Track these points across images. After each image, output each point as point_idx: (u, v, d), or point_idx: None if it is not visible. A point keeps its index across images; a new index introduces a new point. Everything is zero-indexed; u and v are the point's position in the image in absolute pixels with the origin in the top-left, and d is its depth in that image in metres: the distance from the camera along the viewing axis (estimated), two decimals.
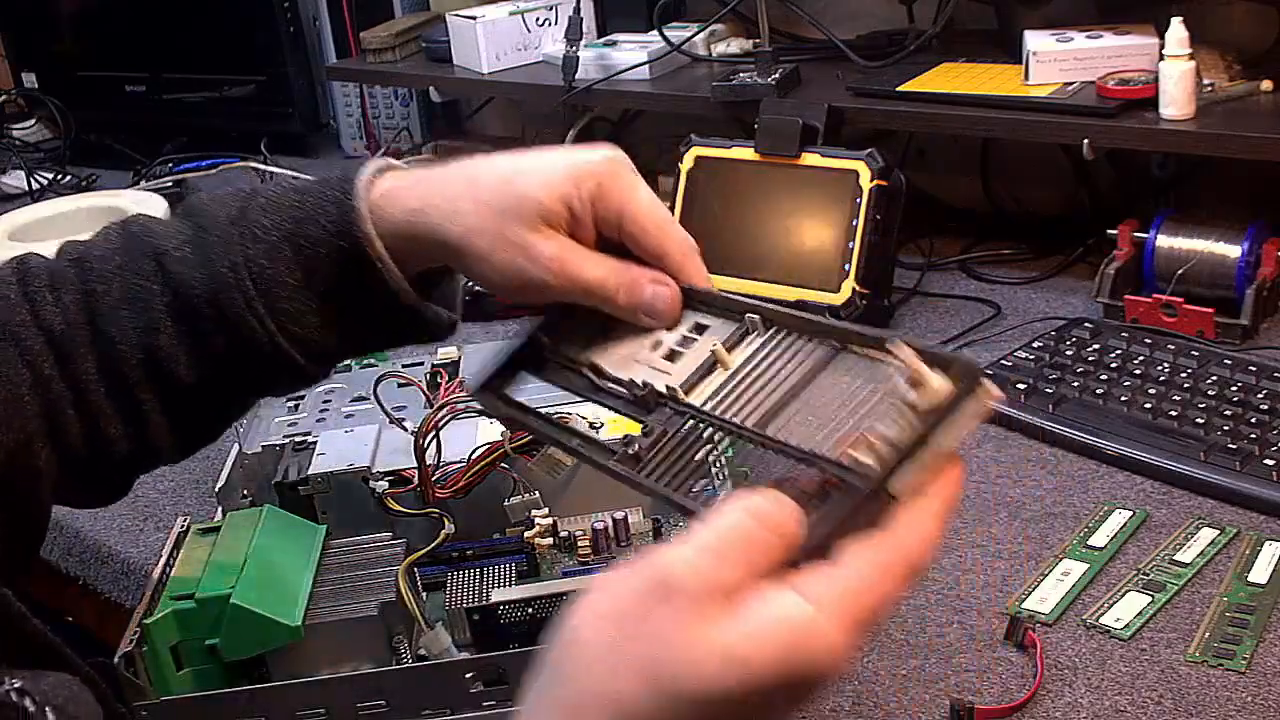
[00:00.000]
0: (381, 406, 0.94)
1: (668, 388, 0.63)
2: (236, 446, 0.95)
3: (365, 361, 1.08)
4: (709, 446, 0.60)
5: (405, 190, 0.68)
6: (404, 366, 1.04)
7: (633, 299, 0.65)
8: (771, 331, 0.63)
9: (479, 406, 0.84)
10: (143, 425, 0.71)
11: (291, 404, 1.02)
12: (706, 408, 0.62)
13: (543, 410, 0.71)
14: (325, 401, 1.02)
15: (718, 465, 0.86)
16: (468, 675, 0.75)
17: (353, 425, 0.97)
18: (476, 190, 0.67)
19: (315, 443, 0.93)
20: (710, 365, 0.64)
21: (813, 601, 0.46)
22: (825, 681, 0.47)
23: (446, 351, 1.05)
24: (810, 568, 0.47)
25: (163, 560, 0.82)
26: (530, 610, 0.76)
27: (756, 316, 0.63)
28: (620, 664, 0.46)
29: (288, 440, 0.94)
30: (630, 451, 0.62)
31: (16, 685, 0.59)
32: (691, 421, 0.62)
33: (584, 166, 0.66)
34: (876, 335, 0.54)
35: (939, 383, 0.49)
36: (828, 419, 0.55)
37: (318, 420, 0.99)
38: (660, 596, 0.46)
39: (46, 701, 0.59)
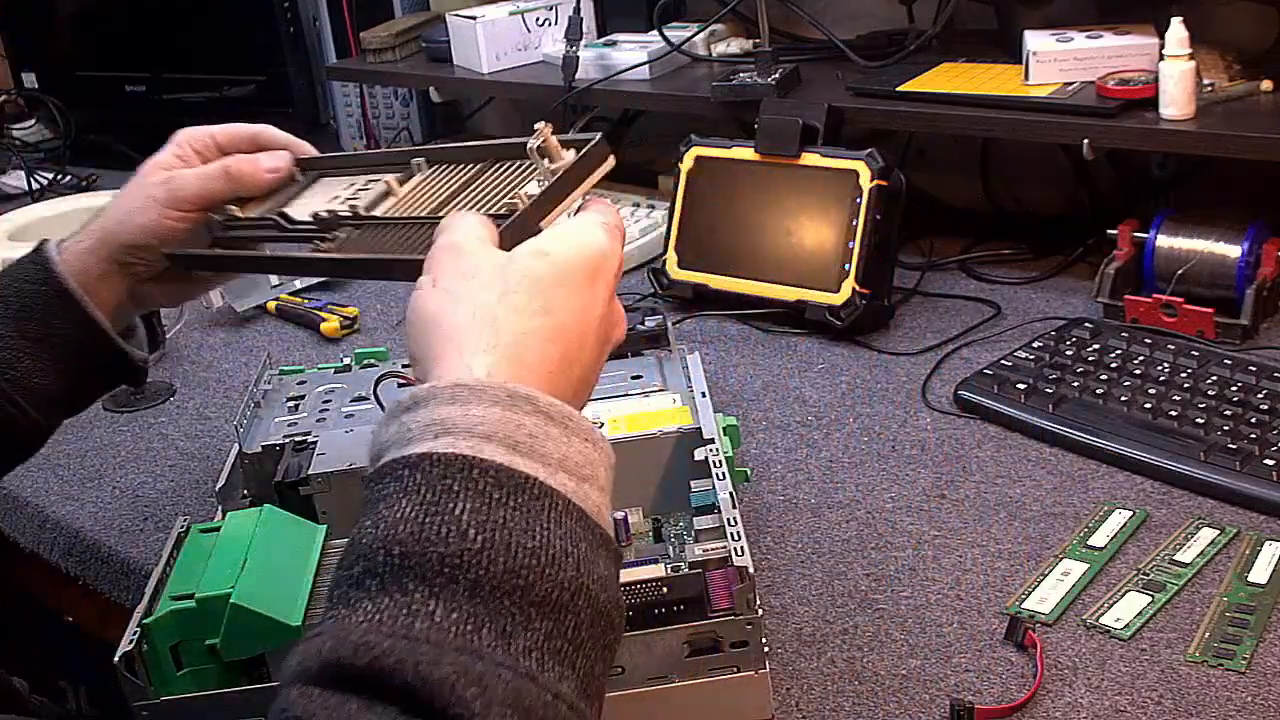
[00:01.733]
0: (381, 406, 0.94)
1: (350, 207, 0.80)
2: (236, 446, 0.95)
3: (365, 361, 1.08)
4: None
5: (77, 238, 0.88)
6: (404, 366, 1.04)
7: (255, 163, 0.87)
8: (436, 166, 0.81)
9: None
10: None
11: (291, 404, 1.02)
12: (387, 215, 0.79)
13: None
14: (325, 401, 1.02)
15: (718, 464, 0.86)
16: None
17: (353, 425, 0.97)
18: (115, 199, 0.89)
19: (315, 443, 0.93)
20: (384, 193, 0.81)
21: (573, 223, 0.63)
22: (607, 263, 0.62)
23: None
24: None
25: (163, 560, 0.82)
26: None
27: (421, 159, 0.82)
28: (466, 302, 0.58)
29: (288, 440, 0.94)
30: (331, 245, 0.79)
31: None
32: (377, 224, 0.79)
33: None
34: (521, 140, 0.72)
35: (568, 154, 0.70)
36: (491, 195, 0.73)
37: (318, 420, 0.99)
38: (461, 256, 0.61)
39: None
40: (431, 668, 0.47)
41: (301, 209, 0.85)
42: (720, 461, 0.86)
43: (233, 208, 0.88)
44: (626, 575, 0.76)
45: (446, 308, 0.59)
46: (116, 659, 0.74)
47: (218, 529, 0.83)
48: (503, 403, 0.54)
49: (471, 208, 0.72)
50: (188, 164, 0.88)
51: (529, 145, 0.70)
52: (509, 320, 0.57)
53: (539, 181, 0.70)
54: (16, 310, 0.84)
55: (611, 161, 0.71)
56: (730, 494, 0.83)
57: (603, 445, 0.57)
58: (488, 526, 0.50)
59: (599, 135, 0.71)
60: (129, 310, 0.90)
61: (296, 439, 0.94)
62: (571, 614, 0.51)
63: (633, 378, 1.00)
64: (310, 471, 0.89)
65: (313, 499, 0.89)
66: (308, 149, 0.92)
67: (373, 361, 1.08)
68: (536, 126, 0.70)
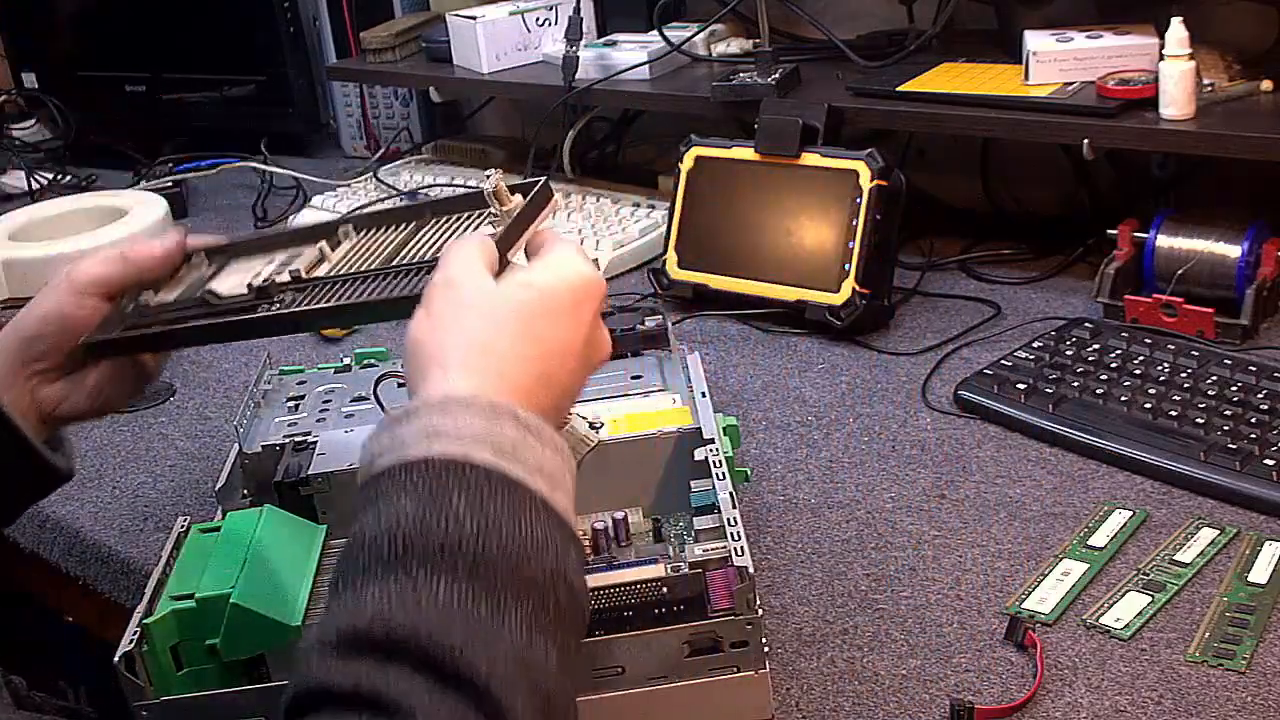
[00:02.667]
0: (381, 406, 0.94)
1: (290, 273, 0.80)
2: (236, 446, 0.95)
3: (365, 361, 1.08)
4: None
5: None
6: (402, 366, 1.04)
7: (149, 243, 0.86)
8: (367, 229, 0.84)
9: None
10: None
11: (291, 404, 1.02)
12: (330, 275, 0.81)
13: None
14: (325, 401, 1.02)
15: (718, 464, 0.86)
16: None
17: (353, 425, 0.97)
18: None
19: (315, 443, 0.93)
20: (318, 259, 0.82)
21: (557, 255, 0.68)
22: (591, 291, 0.67)
23: None
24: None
25: (163, 560, 0.82)
26: None
27: (349, 225, 0.85)
28: (455, 330, 0.64)
29: (288, 440, 0.94)
30: (278, 306, 0.80)
31: None
32: (323, 283, 0.80)
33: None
34: (476, 191, 0.77)
35: (516, 198, 0.75)
36: (439, 244, 0.78)
37: (318, 420, 0.99)
38: (454, 288, 0.66)
39: None
40: (442, 635, 0.52)
41: (223, 287, 0.84)
42: (720, 461, 0.86)
43: (145, 295, 0.86)
44: (626, 575, 0.76)
45: (436, 334, 0.64)
46: (116, 659, 0.74)
47: (218, 529, 0.83)
48: (486, 414, 0.60)
49: (421, 255, 0.78)
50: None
51: (485, 190, 0.75)
52: (495, 345, 0.63)
53: (491, 224, 0.76)
54: None
55: (557, 202, 0.77)
56: (730, 494, 0.83)
57: (568, 456, 0.63)
58: (481, 517, 0.56)
59: (544, 179, 0.77)
60: (34, 424, 0.84)
61: (296, 439, 0.94)
62: (553, 594, 0.57)
63: (633, 378, 1.00)
64: (310, 471, 0.89)
65: (313, 499, 0.89)
66: (210, 240, 0.90)
67: (373, 361, 1.08)
68: (489, 173, 0.76)
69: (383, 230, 0.84)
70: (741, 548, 0.76)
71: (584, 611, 0.60)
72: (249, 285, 0.82)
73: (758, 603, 0.76)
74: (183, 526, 0.85)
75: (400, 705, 0.50)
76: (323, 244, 0.84)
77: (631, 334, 1.05)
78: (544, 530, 0.58)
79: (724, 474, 0.85)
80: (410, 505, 0.56)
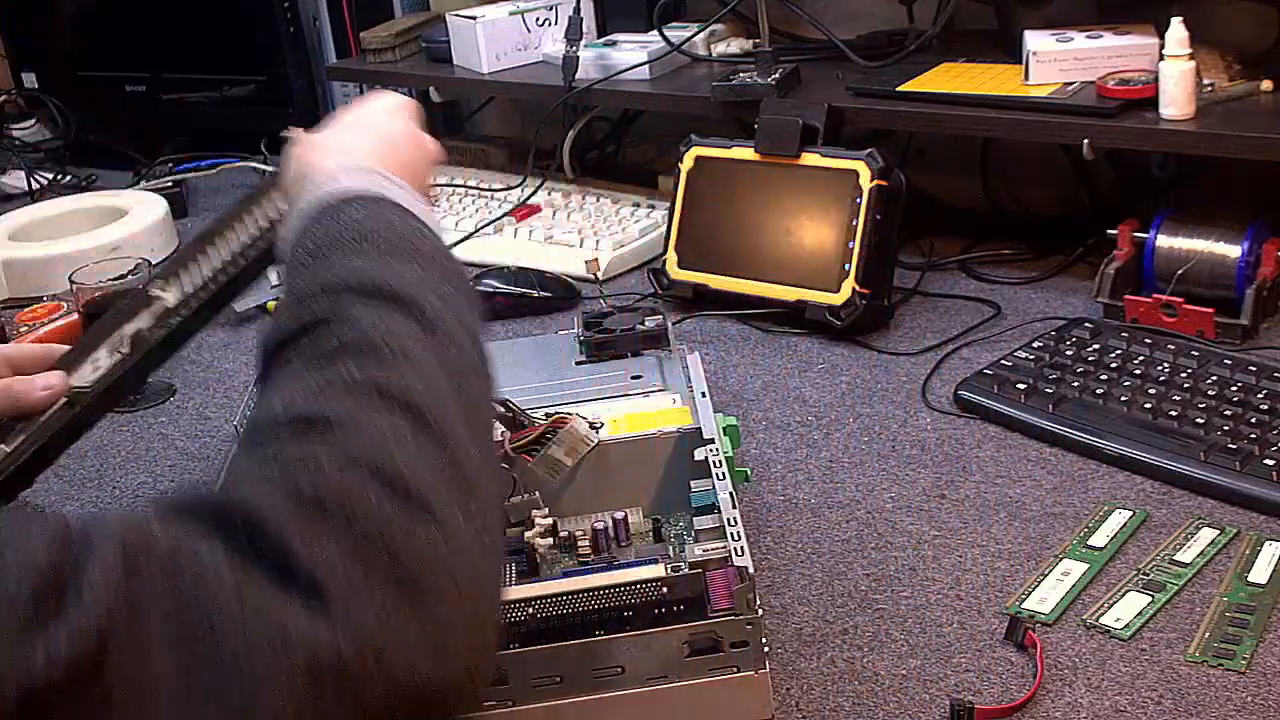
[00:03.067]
0: None
1: (152, 314, 0.82)
2: (236, 447, 0.95)
3: None
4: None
5: None
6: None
7: (31, 383, 0.84)
8: (179, 270, 0.84)
9: None
10: None
11: None
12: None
13: None
14: None
15: (718, 464, 0.86)
16: None
17: None
18: None
19: None
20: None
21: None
22: (396, 102, 0.83)
23: None
24: None
25: None
26: (530, 610, 0.76)
27: (160, 279, 0.83)
28: (320, 143, 0.78)
29: None
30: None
31: None
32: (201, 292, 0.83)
33: None
34: (272, 175, 0.84)
35: None
36: (255, 224, 0.85)
37: None
38: (309, 136, 0.79)
39: None
40: (360, 275, 0.64)
41: (81, 379, 0.84)
42: (720, 461, 0.86)
43: None
44: (626, 575, 0.76)
45: (307, 152, 0.78)
46: None
47: None
48: (364, 173, 0.72)
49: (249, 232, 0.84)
50: None
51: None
52: (350, 141, 0.78)
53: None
54: None
55: None
56: (730, 494, 0.83)
57: (433, 211, 0.75)
58: (377, 219, 0.68)
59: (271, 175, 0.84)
60: None
61: None
62: (451, 274, 0.68)
63: (633, 378, 1.00)
64: None
65: None
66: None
67: None
68: (291, 134, 0.82)
69: (196, 260, 0.84)
70: (741, 548, 0.76)
71: (477, 309, 0.69)
72: (130, 340, 0.81)
73: (758, 603, 0.76)
74: None
75: (338, 314, 0.62)
76: (149, 296, 0.83)
77: (631, 334, 1.05)
78: (431, 235, 0.69)
79: (724, 474, 0.85)
80: (318, 230, 0.68)
